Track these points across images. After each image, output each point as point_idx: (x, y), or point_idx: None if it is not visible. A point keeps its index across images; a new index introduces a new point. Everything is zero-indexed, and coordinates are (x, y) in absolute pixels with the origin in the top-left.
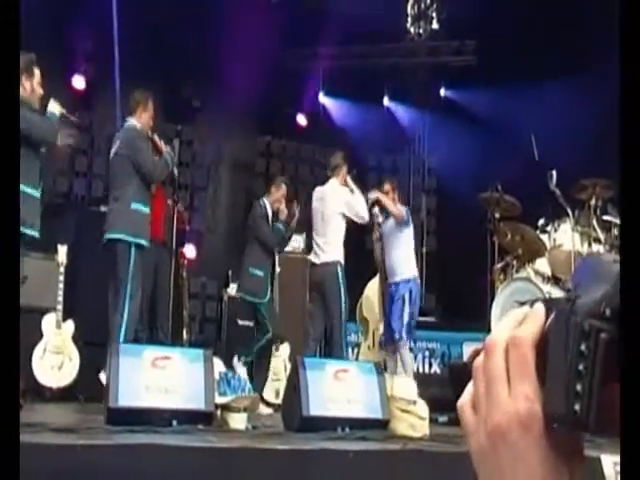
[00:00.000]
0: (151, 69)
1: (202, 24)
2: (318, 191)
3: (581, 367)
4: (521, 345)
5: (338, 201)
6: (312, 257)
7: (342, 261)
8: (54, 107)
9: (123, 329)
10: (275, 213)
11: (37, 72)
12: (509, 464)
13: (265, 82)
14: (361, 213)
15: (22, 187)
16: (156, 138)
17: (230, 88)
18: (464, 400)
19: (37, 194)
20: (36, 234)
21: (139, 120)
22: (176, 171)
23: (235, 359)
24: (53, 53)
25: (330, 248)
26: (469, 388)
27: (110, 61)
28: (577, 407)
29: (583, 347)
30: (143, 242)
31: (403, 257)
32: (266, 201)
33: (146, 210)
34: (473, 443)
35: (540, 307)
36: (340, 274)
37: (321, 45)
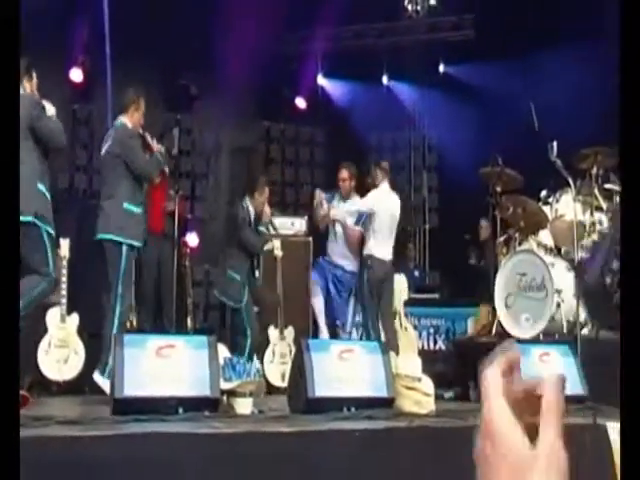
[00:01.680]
0: (148, 58)
1: (197, 10)
2: (378, 195)
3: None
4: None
5: (398, 204)
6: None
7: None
8: (51, 109)
9: (115, 328)
10: (258, 216)
11: (34, 75)
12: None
13: (262, 66)
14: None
15: (40, 187)
16: (147, 136)
17: (227, 74)
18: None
19: (49, 194)
20: (53, 232)
21: (131, 119)
22: (167, 169)
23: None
24: (50, 46)
25: (390, 247)
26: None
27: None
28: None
29: None
30: (135, 243)
31: None
32: (249, 204)
33: (138, 210)
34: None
35: (512, 347)
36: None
37: (317, 26)
